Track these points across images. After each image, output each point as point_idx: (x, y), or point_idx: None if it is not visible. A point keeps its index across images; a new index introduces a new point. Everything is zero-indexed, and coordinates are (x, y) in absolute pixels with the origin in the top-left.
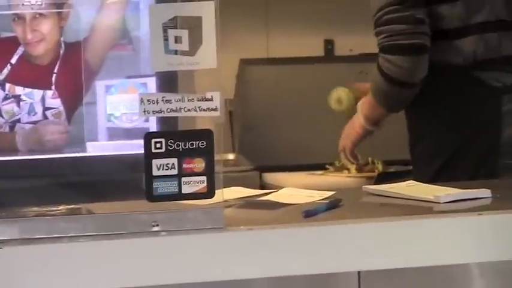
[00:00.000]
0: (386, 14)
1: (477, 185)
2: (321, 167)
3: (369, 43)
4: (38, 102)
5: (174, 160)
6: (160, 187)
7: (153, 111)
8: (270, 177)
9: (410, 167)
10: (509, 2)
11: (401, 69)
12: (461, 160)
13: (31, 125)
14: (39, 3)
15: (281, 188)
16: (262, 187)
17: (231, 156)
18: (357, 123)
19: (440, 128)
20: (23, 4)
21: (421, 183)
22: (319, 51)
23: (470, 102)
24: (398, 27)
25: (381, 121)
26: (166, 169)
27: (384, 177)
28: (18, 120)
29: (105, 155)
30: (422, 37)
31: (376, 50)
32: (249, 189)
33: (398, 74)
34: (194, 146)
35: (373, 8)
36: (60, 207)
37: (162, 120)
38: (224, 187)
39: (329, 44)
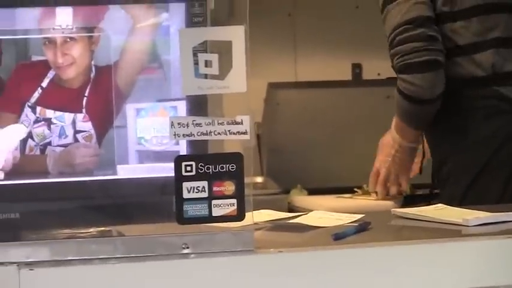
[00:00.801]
0: (398, 35)
1: (505, 208)
2: (347, 190)
3: None
4: (69, 125)
5: (205, 183)
6: (190, 210)
7: (183, 135)
8: (298, 200)
9: (437, 190)
10: None
11: (418, 87)
12: (488, 176)
13: (62, 148)
14: (70, 27)
15: (309, 211)
16: (290, 210)
17: (259, 179)
18: (395, 144)
19: (464, 146)
20: (53, 28)
21: (449, 207)
22: (347, 75)
23: (493, 117)
24: (410, 45)
25: (417, 137)
26: (196, 192)
27: (411, 200)
28: (49, 143)
29: (135, 178)
30: (436, 53)
31: None
32: (278, 212)
33: (416, 92)
34: (224, 169)
35: (387, 31)
36: (91, 230)
37: (192, 144)
38: (253, 210)
39: (357, 68)
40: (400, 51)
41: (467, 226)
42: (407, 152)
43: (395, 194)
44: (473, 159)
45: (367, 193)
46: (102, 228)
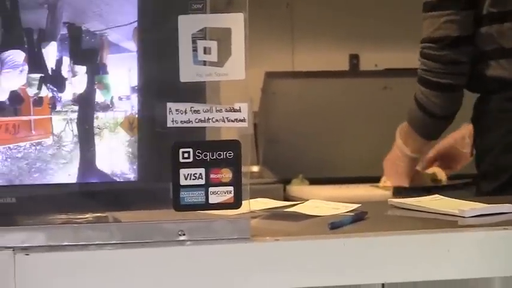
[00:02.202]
0: (425, 49)
1: (502, 200)
2: (344, 180)
3: (393, 59)
4: None
5: (202, 170)
6: (187, 197)
7: (181, 121)
8: (294, 189)
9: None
10: None
11: (432, 103)
12: None
13: None
14: None
15: (305, 200)
16: (286, 199)
17: (255, 169)
18: (399, 154)
19: (502, 146)
20: None
21: (447, 198)
22: (344, 65)
23: None
24: (431, 64)
25: (422, 148)
26: (193, 179)
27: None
28: None
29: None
30: (456, 77)
31: (400, 65)
32: (274, 201)
33: (429, 106)
34: (222, 157)
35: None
36: (87, 215)
37: (189, 131)
38: (250, 198)
39: (354, 59)
40: (424, 63)
41: (464, 217)
42: (406, 161)
43: None
44: (508, 161)
45: None
46: (99, 214)
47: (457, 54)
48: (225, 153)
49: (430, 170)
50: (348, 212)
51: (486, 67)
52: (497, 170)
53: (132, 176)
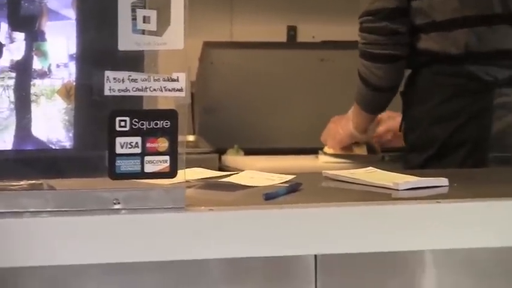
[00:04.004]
0: (364, 22)
1: (433, 173)
2: (279, 151)
3: (330, 31)
4: None
5: (138, 139)
6: (123, 165)
7: (118, 90)
8: (229, 159)
9: None
10: None
11: (374, 75)
12: (449, 151)
13: None
14: None
15: (240, 170)
16: (220, 169)
17: (191, 138)
18: (346, 130)
19: (431, 119)
20: None
21: (381, 170)
22: (282, 37)
23: (461, 95)
24: (372, 37)
25: (367, 129)
26: (129, 147)
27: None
28: None
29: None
30: (396, 47)
31: (337, 38)
32: (210, 171)
33: (373, 79)
34: (158, 126)
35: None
36: (22, 183)
37: (126, 100)
38: (185, 168)
39: (292, 30)
40: (363, 37)
41: (397, 190)
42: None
43: None
44: (437, 133)
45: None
46: (34, 182)
47: (395, 24)
48: (161, 122)
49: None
50: (282, 183)
51: (417, 40)
52: (425, 142)
53: (68, 143)
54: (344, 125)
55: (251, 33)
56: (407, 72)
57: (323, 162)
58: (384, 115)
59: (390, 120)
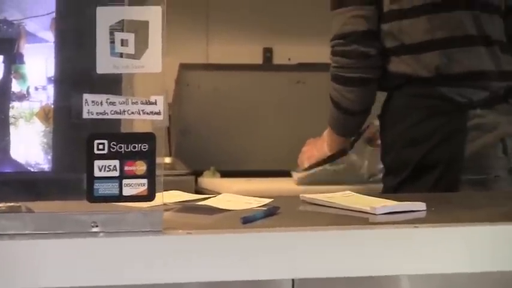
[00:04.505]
0: (335, 46)
1: (413, 197)
2: (255, 173)
3: (306, 53)
4: None
5: (116, 162)
6: (101, 188)
7: (96, 113)
8: (206, 181)
9: None
10: (478, 17)
11: (346, 99)
12: (422, 173)
13: None
14: None
15: (216, 192)
16: (197, 191)
17: (167, 160)
18: (321, 151)
19: (404, 141)
20: None
21: (358, 194)
22: (258, 59)
23: (434, 117)
24: (342, 60)
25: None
26: (108, 170)
27: None
28: None
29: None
30: (367, 71)
31: (313, 60)
32: (187, 194)
33: (344, 102)
34: (137, 149)
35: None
36: (0, 205)
37: (104, 123)
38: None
39: (268, 52)
40: (335, 61)
41: (375, 214)
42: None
43: None
44: (410, 155)
45: None
46: (12, 204)
47: (366, 47)
48: (139, 145)
49: None
50: (260, 206)
51: (389, 63)
52: (399, 165)
53: (46, 166)
54: (319, 147)
55: (227, 55)
56: (384, 95)
57: (297, 178)
58: None
59: None
